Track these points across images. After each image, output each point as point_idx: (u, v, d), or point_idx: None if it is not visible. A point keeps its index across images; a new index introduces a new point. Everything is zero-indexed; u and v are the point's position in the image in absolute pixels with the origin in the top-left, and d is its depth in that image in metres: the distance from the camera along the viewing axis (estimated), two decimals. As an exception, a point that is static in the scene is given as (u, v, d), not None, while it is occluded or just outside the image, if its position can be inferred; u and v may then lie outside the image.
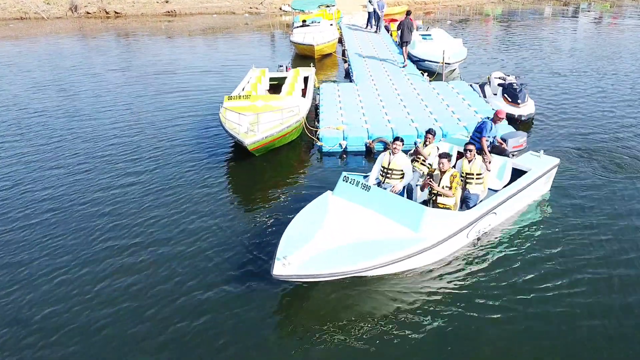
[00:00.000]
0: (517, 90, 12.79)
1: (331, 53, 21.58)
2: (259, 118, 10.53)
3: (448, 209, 7.09)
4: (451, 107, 12.61)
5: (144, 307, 6.40)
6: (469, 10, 38.83)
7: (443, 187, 7.08)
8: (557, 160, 8.86)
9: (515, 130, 10.79)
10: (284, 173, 10.50)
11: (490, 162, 8.22)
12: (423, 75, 16.03)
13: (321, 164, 10.86)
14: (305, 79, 14.61)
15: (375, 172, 8.07)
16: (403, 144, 7.88)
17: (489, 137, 8.56)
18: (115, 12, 37.51)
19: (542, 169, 8.50)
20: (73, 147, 11.96)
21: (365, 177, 8.15)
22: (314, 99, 13.56)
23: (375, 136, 11.03)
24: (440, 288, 6.60)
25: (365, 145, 11.06)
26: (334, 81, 16.99)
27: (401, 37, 17.43)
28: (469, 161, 7.65)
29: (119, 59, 22.67)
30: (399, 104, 12.99)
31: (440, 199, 7.12)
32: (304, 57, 20.88)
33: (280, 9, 37.11)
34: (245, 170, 10.53)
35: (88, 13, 37.79)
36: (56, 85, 18.04)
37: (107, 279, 7.00)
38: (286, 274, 5.82)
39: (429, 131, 8.45)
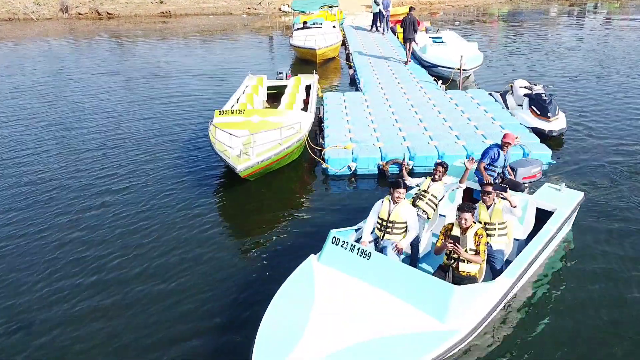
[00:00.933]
0: (547, 101, 11.32)
1: (334, 57, 20.09)
2: (253, 138, 9.04)
3: (474, 277, 5.41)
4: (473, 121, 11.15)
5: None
6: (474, 11, 37.35)
7: (467, 251, 5.38)
8: (581, 195, 7.33)
9: (527, 157, 9.21)
10: (283, 200, 9.03)
11: (513, 204, 6.12)
12: (437, 82, 14.54)
13: (327, 189, 9.40)
14: (307, 88, 13.15)
15: (370, 225, 6.15)
16: (405, 191, 5.98)
17: (494, 167, 7.34)
18: (108, 13, 36.01)
19: (568, 207, 6.90)
20: (41, 161, 10.54)
21: (357, 230, 6.30)
22: (317, 111, 12.10)
23: (389, 157, 9.55)
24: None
25: (378, 167, 9.59)
26: (338, 89, 15.52)
27: (404, 33, 16.85)
28: (488, 207, 5.99)
29: (107, 62, 21.18)
30: (414, 117, 11.51)
31: (463, 266, 5.41)
32: (304, 61, 19.45)
33: (280, 9, 35.63)
34: (238, 195, 9.07)
35: (79, 14, 36.29)
36: (35, 90, 16.61)
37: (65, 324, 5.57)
38: None
39: (440, 164, 6.69)
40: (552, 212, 6.74)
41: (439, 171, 6.61)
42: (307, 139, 10.14)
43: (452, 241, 5.32)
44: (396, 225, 5.95)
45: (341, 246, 5.65)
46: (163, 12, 36.05)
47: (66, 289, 6.52)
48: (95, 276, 6.74)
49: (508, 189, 6.21)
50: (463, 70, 14.69)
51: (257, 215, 8.44)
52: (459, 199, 7.36)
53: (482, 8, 38.57)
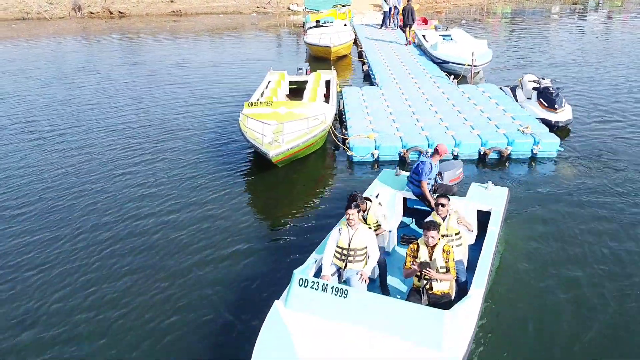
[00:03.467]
0: (554, 94, 12.04)
1: (347, 55, 20.81)
2: (283, 127, 9.78)
3: (447, 294, 5.38)
4: (486, 113, 11.87)
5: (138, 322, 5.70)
6: (479, 10, 37.99)
7: (438, 270, 5.30)
8: (507, 191, 7.58)
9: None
10: (311, 184, 9.82)
11: (470, 228, 6.33)
12: (449, 78, 15.26)
13: (351, 174, 10.16)
14: (327, 83, 13.87)
15: (329, 256, 5.72)
16: (355, 211, 5.68)
17: (430, 179, 7.28)
18: (120, 12, 36.72)
19: (500, 205, 7.05)
20: (86, 146, 11.26)
21: (315, 262, 5.82)
22: (337, 104, 12.82)
23: (409, 145, 10.28)
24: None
25: (399, 155, 10.32)
26: (354, 84, 16.23)
27: (404, 20, 20.44)
28: (443, 218, 6.02)
29: (124, 61, 21.90)
30: (430, 110, 12.24)
31: (437, 285, 5.33)
32: (318, 59, 20.13)
33: (289, 8, 36.30)
34: (268, 181, 9.81)
35: (91, 13, 37.00)
36: (71, 84, 17.30)
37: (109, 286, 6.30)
38: None
39: (442, 196, 6.37)
40: (489, 212, 6.84)
41: (441, 211, 6.12)
42: (331, 128, 10.88)
43: (421, 264, 5.24)
44: (357, 253, 5.67)
45: (311, 287, 5.07)
46: (174, 11, 36.76)
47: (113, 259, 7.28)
48: (138, 255, 7.50)
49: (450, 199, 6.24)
50: (474, 66, 15.39)
51: (287, 198, 9.19)
52: (399, 208, 7.45)
53: (485, 7, 39.22)
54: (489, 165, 10.19)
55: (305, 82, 13.64)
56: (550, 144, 10.29)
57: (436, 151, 7.50)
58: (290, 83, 14.18)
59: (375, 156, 10.31)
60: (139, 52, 24.00)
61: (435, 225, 5.38)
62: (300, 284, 5.13)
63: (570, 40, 23.99)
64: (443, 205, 6.00)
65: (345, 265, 5.68)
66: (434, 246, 5.36)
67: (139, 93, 16.30)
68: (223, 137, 12.04)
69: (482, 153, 10.29)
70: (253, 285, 6.65)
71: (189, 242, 7.66)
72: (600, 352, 5.42)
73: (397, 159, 10.34)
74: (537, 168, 10.07)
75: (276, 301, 5.21)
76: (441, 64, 17.04)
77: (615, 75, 16.84)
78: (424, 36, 19.80)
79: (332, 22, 22.46)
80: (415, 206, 7.60)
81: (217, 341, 5.72)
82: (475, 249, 6.33)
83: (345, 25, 22.39)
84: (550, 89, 12.25)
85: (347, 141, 10.75)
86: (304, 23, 26.64)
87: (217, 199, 9.02)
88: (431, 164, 7.31)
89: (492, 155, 10.28)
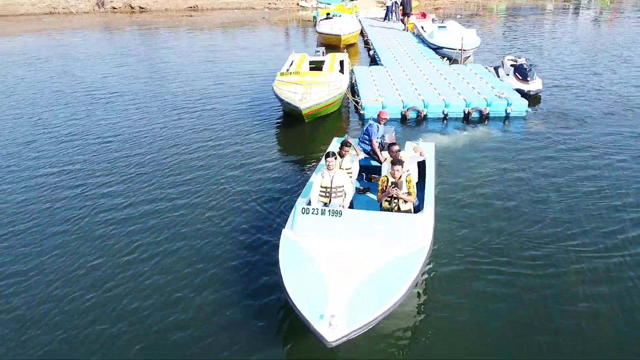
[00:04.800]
0: (527, 69, 14.80)
1: (354, 43, 23.60)
2: (310, 89, 12.58)
3: (409, 212, 6.84)
4: (471, 84, 14.64)
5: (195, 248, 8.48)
6: (473, 7, 40.75)
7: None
8: (433, 145, 9.43)
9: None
10: (330, 135, 12.50)
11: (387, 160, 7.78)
12: (443, 59, 18.04)
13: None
14: (340, 63, 16.62)
15: (315, 195, 7.14)
16: (334, 159, 7.13)
17: (378, 138, 8.76)
18: (140, 7, 39.52)
19: (431, 154, 8.79)
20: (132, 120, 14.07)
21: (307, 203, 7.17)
22: (350, 78, 15.57)
23: (409, 105, 13.05)
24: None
25: (401, 113, 13.08)
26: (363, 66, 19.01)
27: (404, 10, 24.52)
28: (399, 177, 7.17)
29: (150, 50, 24.70)
30: (426, 82, 15.03)
31: (403, 206, 6.81)
32: (329, 46, 22.85)
33: (298, 4, 39.05)
34: (295, 133, 12.61)
35: (114, 8, 39.80)
36: (113, 72, 20.10)
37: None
38: (343, 334, 4.85)
39: (344, 143, 7.89)
40: (424, 161, 8.47)
41: (345, 150, 7.82)
42: (347, 92, 13.68)
43: (393, 186, 6.69)
44: (338, 190, 7.05)
45: (312, 213, 6.49)
46: (191, 7, 39.56)
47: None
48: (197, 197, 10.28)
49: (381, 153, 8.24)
50: (464, 50, 18.16)
51: (311, 146, 11.88)
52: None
53: (482, 4, 41.99)
54: (472, 122, 12.95)
55: (323, 62, 16.37)
56: (520, 105, 13.06)
57: (379, 117, 9.14)
58: (310, 62, 16.92)
59: (382, 114, 13.07)
60: (168, 41, 26.80)
61: (401, 162, 6.84)
62: (303, 212, 6.54)
63: (553, 32, 26.77)
64: (399, 151, 7.63)
65: (330, 200, 7.10)
66: (399, 178, 6.77)
67: (178, 70, 19.11)
68: (256, 101, 14.94)
69: (466, 112, 13.04)
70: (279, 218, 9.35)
71: (232, 174, 10.46)
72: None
73: (400, 116, 13.10)
74: (510, 123, 12.84)
75: (284, 229, 6.57)
76: (436, 49, 19.82)
77: (583, 57, 19.65)
78: (422, 27, 22.59)
79: (340, 16, 25.28)
80: (362, 164, 8.86)
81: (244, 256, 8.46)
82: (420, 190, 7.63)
83: (352, 18, 25.20)
84: (524, 65, 15.04)
85: (359, 103, 13.53)
86: (314, 17, 29.54)
87: (255, 147, 11.73)
88: (377, 126, 8.91)
89: (475, 115, 13.04)
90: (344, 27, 22.51)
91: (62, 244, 7.94)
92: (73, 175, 10.42)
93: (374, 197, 7.70)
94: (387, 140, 9.12)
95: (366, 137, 8.92)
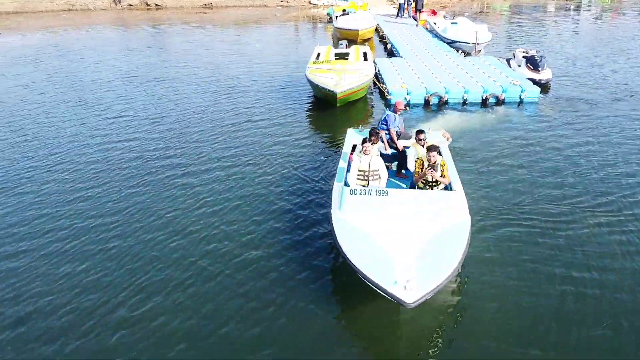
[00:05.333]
0: (538, 60, 16.07)
1: (370, 38, 24.85)
2: (343, 75, 13.85)
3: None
4: (487, 74, 15.90)
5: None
6: (476, 5, 42.05)
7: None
8: (441, 131, 10.02)
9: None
10: (359, 119, 13.80)
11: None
12: (457, 52, 19.31)
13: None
14: (364, 54, 17.86)
15: (353, 179, 7.67)
16: (370, 145, 7.78)
17: (395, 127, 9.37)
18: (156, 5, 40.69)
19: (444, 143, 9.27)
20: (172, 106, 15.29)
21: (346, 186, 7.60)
22: (374, 68, 16.82)
23: (432, 91, 14.30)
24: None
25: (424, 99, 14.33)
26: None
27: (416, 6, 26.37)
28: (422, 146, 8.17)
29: (176, 43, 25.94)
30: (444, 71, 16.29)
31: (437, 186, 7.51)
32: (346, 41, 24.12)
33: (309, 2, 40.28)
34: (326, 116, 13.87)
35: (130, 5, 40.96)
36: (141, 66, 21.33)
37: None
38: (420, 295, 5.31)
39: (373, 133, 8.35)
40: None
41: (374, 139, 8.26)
42: (375, 79, 14.94)
43: (430, 169, 7.35)
44: (374, 173, 7.58)
45: (360, 194, 7.05)
46: (205, 4, 40.75)
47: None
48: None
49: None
50: (477, 44, 19.43)
51: (343, 126, 13.06)
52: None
53: (486, 2, 43.30)
54: (489, 106, 14.20)
55: (347, 53, 17.64)
56: (532, 92, 14.34)
57: (396, 107, 9.70)
58: (335, 54, 18.16)
59: (408, 99, 14.31)
60: (192, 35, 28.00)
61: (436, 148, 7.57)
62: (351, 193, 7.11)
63: (556, 29, 28.06)
64: (425, 139, 8.32)
65: (367, 183, 7.61)
66: (434, 162, 7.37)
67: (209, 60, 20.34)
68: (288, 87, 16.27)
69: (484, 98, 14.29)
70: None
71: (270, 152, 11.71)
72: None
73: (423, 102, 14.35)
74: (524, 108, 14.10)
75: (331, 211, 7.10)
76: (450, 43, 21.08)
77: (586, 50, 20.94)
78: (434, 23, 23.87)
79: (354, 12, 26.57)
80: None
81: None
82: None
83: (367, 14, 26.48)
84: (535, 56, 16.31)
85: (386, 89, 14.77)
86: (328, 14, 30.93)
87: (292, 126, 12.99)
88: (394, 116, 9.51)
89: (492, 100, 14.30)
90: (362, 22, 23.77)
91: (138, 201, 9.21)
92: (134, 148, 11.67)
93: (394, 181, 8.55)
94: (400, 129, 9.77)
95: (384, 126, 9.53)
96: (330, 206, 7.42)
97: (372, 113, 14.29)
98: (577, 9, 39.26)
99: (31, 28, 32.56)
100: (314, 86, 14.18)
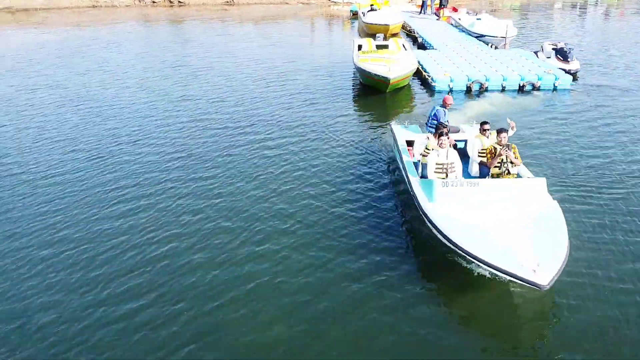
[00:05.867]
0: (567, 52, 17.31)
1: (397, 33, 26.08)
2: (392, 64, 15.10)
3: (518, 176, 7.83)
4: (520, 64, 17.14)
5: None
6: (484, 4, 43.27)
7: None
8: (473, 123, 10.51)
9: None
10: (405, 104, 15.01)
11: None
12: (487, 45, 20.57)
13: (432, 97, 15.39)
14: (403, 46, 19.08)
15: (432, 172, 7.87)
16: (446, 138, 7.96)
17: (444, 122, 9.65)
18: (179, 1, 41.85)
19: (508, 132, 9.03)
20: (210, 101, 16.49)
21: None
22: (413, 59, 18.06)
23: (473, 79, 15.53)
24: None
25: (466, 86, 15.56)
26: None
27: (440, 2, 27.95)
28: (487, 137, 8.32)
29: (207, 38, 27.13)
30: (480, 61, 17.53)
31: (512, 170, 7.71)
32: (373, 36, 25.32)
33: (329, -1, 41.52)
34: (374, 102, 15.09)
35: (153, 2, 42.10)
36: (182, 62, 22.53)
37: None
38: (552, 276, 5.65)
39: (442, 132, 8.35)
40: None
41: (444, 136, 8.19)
42: (419, 67, 16.19)
43: (505, 149, 7.55)
44: (451, 166, 7.82)
45: (452, 186, 7.23)
46: (227, 1, 41.93)
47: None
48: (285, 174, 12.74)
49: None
50: (506, 37, 20.67)
51: (392, 111, 14.29)
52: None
53: (496, 1, 44.55)
54: (527, 92, 15.43)
55: (386, 45, 18.83)
56: (565, 80, 15.62)
57: (445, 102, 10.19)
58: (377, 45, 19.38)
59: (451, 87, 15.52)
60: (225, 30, 29.19)
61: (506, 130, 7.83)
62: (443, 185, 7.30)
63: (568, 24, 29.35)
64: (486, 130, 8.39)
65: (446, 175, 7.79)
66: (505, 145, 7.62)
67: (247, 52, 21.55)
68: (333, 76, 17.47)
69: (521, 85, 15.54)
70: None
71: (319, 137, 12.91)
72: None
73: (465, 89, 15.57)
74: (558, 94, 15.34)
75: (423, 205, 7.28)
76: (478, 37, 22.32)
77: (603, 44, 22.29)
78: (459, 19, 25.12)
79: (376, 9, 27.81)
80: None
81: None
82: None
83: (394, 10, 27.74)
84: (564, 48, 17.55)
85: (430, 77, 16.00)
86: (351, 11, 32.39)
87: (342, 112, 14.19)
88: (444, 111, 9.99)
89: (528, 87, 15.53)
90: (391, 18, 25.01)
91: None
92: (209, 126, 12.89)
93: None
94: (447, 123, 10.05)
95: (434, 121, 9.94)
96: (414, 199, 7.75)
97: (421, 96, 15.50)
98: (584, 7, 40.56)
99: (66, 24, 33.70)
100: (365, 73, 15.37)
